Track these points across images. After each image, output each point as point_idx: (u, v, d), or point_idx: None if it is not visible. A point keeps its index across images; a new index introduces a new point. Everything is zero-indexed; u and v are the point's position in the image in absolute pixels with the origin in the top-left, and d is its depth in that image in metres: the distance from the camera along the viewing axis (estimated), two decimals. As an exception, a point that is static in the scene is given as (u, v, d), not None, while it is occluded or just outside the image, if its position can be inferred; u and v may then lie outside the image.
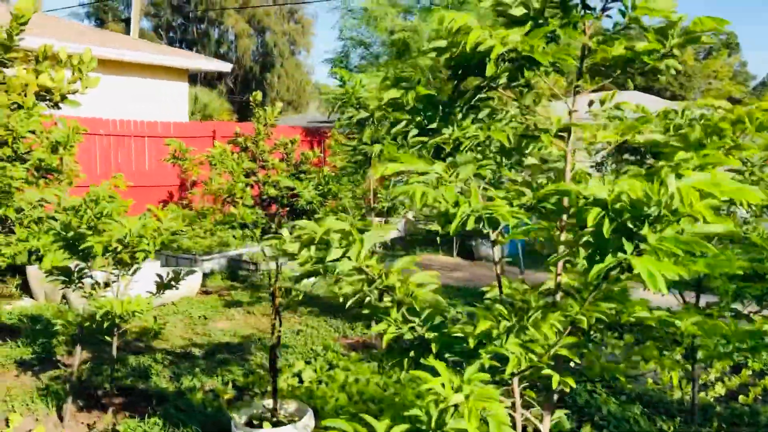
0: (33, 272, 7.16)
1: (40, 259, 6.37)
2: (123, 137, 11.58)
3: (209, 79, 39.34)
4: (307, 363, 5.28)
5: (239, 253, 8.87)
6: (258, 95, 10.78)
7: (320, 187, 8.69)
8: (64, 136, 5.82)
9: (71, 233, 3.96)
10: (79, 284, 4.51)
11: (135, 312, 3.82)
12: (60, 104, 7.39)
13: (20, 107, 6.36)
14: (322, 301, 7.44)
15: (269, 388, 4.71)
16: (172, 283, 4.49)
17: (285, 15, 52.62)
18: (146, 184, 11.34)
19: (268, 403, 3.82)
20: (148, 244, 3.89)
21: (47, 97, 7.23)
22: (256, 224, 9.28)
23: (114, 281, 4.43)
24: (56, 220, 6.48)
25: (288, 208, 9.28)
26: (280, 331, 3.68)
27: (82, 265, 4.52)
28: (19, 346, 5.61)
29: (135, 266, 4.24)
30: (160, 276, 5.22)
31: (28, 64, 6.98)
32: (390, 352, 2.40)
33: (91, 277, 4.40)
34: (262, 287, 8.08)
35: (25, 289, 7.41)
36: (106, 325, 4.23)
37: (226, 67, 15.04)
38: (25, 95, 6.85)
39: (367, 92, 5.50)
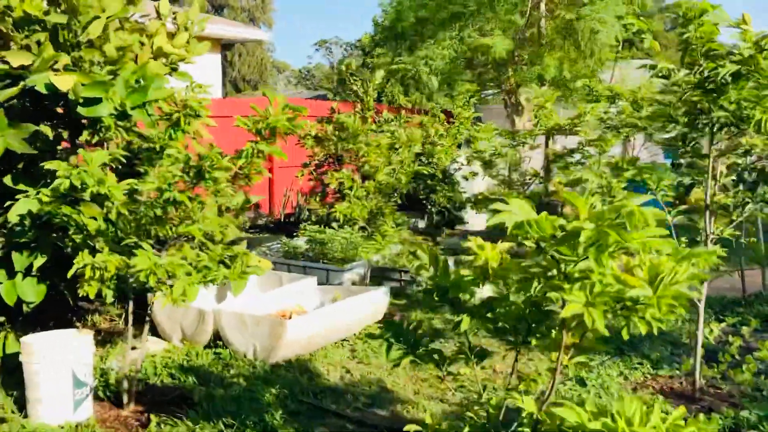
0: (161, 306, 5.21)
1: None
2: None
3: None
4: None
5: (374, 260, 7.06)
6: (352, 63, 8.90)
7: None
8: (282, 120, 3.89)
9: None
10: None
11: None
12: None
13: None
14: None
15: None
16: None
17: (244, -10, 49.76)
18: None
19: None
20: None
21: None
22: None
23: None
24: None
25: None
26: None
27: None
28: (220, 429, 3.75)
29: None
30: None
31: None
32: None
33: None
34: (436, 304, 6.32)
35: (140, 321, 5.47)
36: None
37: (264, 35, 12.97)
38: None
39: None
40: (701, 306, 4.26)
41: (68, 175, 3.42)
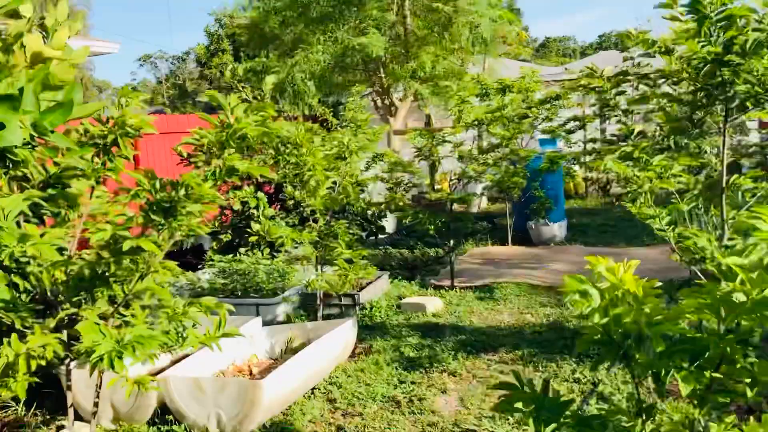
0: (85, 380, 4.04)
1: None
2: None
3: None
4: None
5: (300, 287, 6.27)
6: (238, 68, 7.98)
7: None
8: (251, 125, 3.00)
9: None
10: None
11: None
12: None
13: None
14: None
15: None
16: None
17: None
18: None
19: None
20: None
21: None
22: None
23: None
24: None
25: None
26: None
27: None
28: None
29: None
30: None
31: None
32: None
33: None
34: (385, 327, 5.65)
35: (54, 404, 4.32)
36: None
37: (115, 47, 11.54)
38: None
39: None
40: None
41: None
